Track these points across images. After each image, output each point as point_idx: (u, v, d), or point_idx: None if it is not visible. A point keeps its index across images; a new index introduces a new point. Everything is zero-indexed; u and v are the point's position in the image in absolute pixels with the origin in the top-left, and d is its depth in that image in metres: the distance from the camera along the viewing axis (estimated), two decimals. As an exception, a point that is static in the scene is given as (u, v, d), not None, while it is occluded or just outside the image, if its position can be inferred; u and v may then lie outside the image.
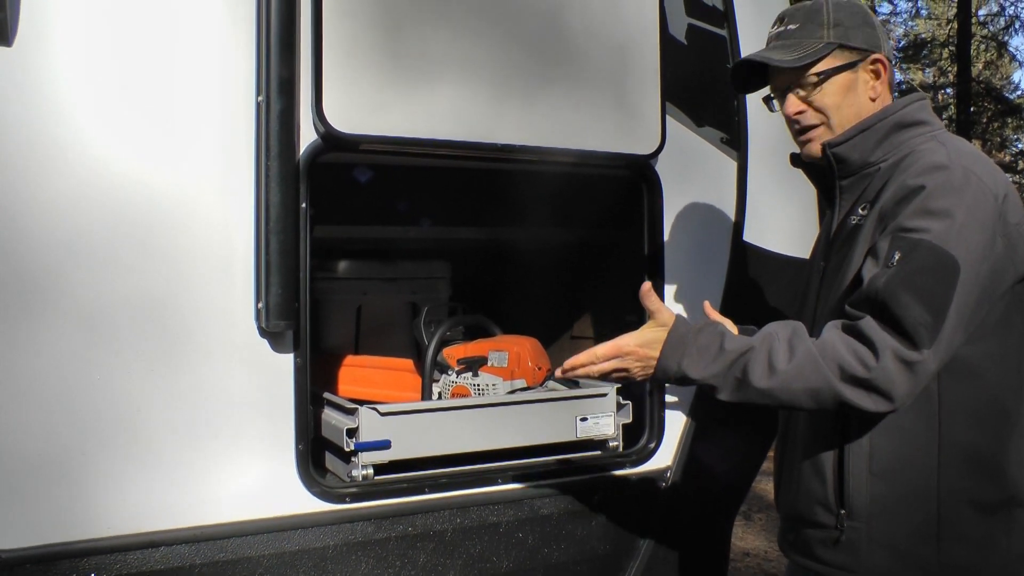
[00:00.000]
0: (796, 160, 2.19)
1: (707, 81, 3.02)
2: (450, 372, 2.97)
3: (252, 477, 2.25)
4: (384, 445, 2.47)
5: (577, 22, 2.63)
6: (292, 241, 2.24)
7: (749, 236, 3.05)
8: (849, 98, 2.02)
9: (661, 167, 2.84)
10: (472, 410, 2.66)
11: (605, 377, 1.98)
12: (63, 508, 2.05)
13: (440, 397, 2.97)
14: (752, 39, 3.06)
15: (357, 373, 3.19)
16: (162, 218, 2.16)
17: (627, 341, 1.95)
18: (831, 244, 2.07)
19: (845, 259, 1.97)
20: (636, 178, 2.86)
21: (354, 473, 2.45)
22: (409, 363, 3.13)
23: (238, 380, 2.24)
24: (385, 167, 3.07)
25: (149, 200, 2.15)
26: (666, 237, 2.88)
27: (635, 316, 2.92)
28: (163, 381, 2.15)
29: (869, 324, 1.76)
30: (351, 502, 2.37)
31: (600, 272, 3.32)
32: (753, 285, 3.06)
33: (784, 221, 3.14)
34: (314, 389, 2.45)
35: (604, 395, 2.80)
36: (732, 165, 3.03)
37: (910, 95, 2.05)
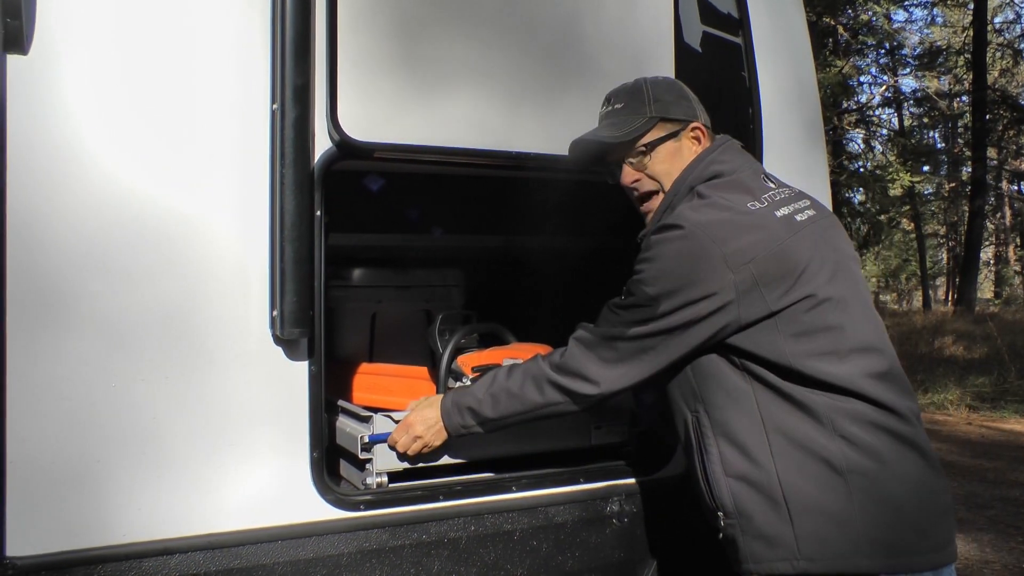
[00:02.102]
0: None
1: (722, 89, 3.01)
2: (464, 380, 2.92)
3: (266, 484, 2.25)
4: (383, 438, 2.49)
5: (592, 30, 2.63)
6: (307, 249, 2.25)
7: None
8: (676, 163, 2.32)
9: (675, 175, 2.83)
10: None
11: (409, 452, 2.44)
12: (78, 515, 2.06)
13: None
14: (767, 47, 3.05)
15: (371, 381, 3.18)
16: (177, 226, 2.17)
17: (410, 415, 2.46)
18: None
19: None
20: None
21: (368, 481, 2.45)
22: (423, 371, 3.11)
23: (253, 388, 2.24)
24: (398, 175, 3.07)
25: (163, 208, 2.15)
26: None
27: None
28: (178, 389, 2.15)
29: (578, 325, 2.33)
30: (365, 509, 2.36)
31: (612, 280, 3.31)
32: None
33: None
34: (328, 397, 2.45)
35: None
36: (747, 173, 3.02)
37: (709, 147, 2.33)
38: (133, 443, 2.10)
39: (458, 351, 2.97)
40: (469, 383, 2.79)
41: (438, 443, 2.42)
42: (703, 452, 2.20)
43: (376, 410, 2.63)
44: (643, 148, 2.33)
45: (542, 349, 2.86)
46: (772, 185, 2.28)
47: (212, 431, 2.19)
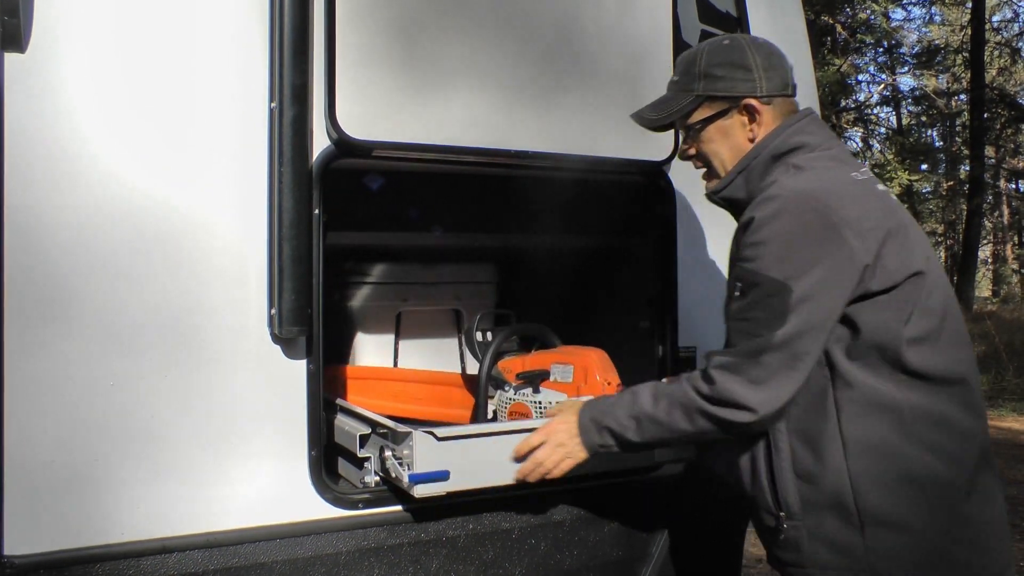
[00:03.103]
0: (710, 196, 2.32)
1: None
2: (507, 388, 2.67)
3: (265, 483, 2.25)
4: (442, 476, 2.22)
5: (591, 28, 2.63)
6: (305, 247, 2.25)
7: (762, 242, 3.03)
8: (726, 144, 2.18)
9: (674, 173, 2.83)
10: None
11: (550, 461, 2.22)
12: (77, 514, 2.06)
13: (495, 416, 2.70)
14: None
15: (397, 387, 2.96)
16: (175, 224, 2.17)
17: (550, 423, 2.26)
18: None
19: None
20: (649, 184, 2.86)
21: (366, 479, 2.44)
22: (455, 376, 2.93)
23: (251, 386, 2.24)
24: (394, 173, 3.07)
25: (162, 206, 2.15)
26: (679, 243, 2.88)
27: (648, 322, 2.93)
28: (176, 386, 2.15)
29: (712, 352, 2.06)
30: (364, 508, 2.36)
31: (613, 279, 3.31)
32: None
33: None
34: (326, 396, 2.45)
35: None
36: (745, 171, 3.02)
37: (792, 117, 2.15)
38: (131, 442, 2.10)
39: (498, 355, 2.73)
40: (512, 391, 2.65)
41: (581, 456, 2.20)
42: (772, 448, 2.06)
43: (401, 420, 2.47)
44: (690, 127, 2.22)
45: (594, 353, 2.68)
46: (859, 161, 2.18)
47: (210, 429, 2.19)
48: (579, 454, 2.19)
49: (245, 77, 2.25)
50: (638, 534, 2.78)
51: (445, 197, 3.23)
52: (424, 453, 2.20)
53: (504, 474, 2.27)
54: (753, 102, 2.14)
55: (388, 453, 2.29)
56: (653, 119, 2.26)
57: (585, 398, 2.34)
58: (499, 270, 3.57)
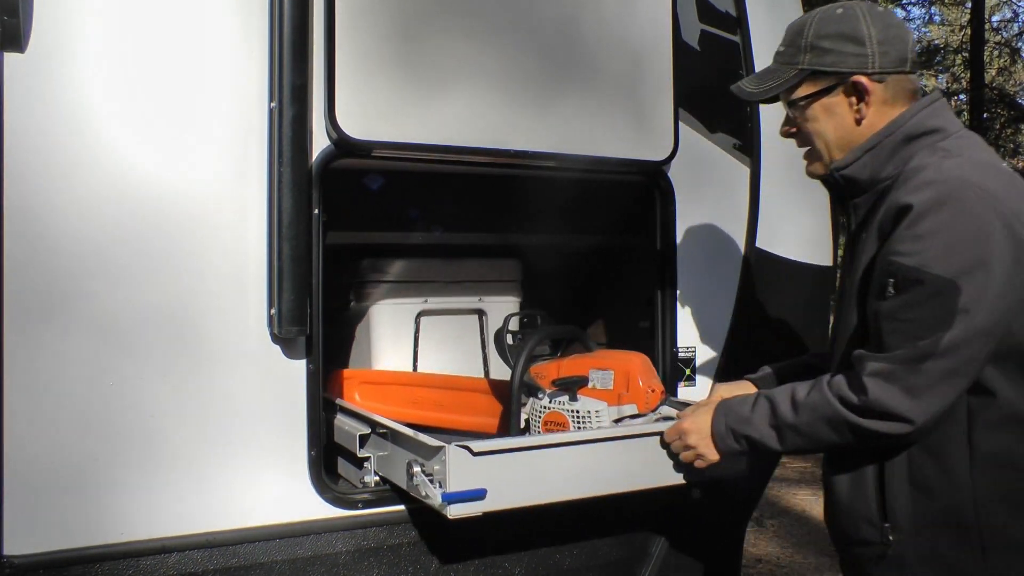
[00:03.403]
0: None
1: (720, 87, 3.00)
2: (541, 395, 2.46)
3: (265, 483, 2.25)
4: (478, 495, 2.03)
5: (591, 29, 2.63)
6: (304, 247, 2.25)
7: (761, 242, 3.04)
8: (830, 123, 2.00)
9: (674, 173, 2.83)
10: (590, 446, 2.22)
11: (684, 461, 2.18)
12: (76, 514, 2.06)
13: (527, 426, 2.51)
14: (765, 45, 3.05)
15: (418, 394, 2.79)
16: (175, 224, 2.16)
17: (684, 422, 2.17)
18: (846, 259, 2.07)
19: (853, 278, 1.96)
20: (649, 184, 2.86)
21: (366, 479, 2.44)
22: (480, 381, 2.79)
23: (251, 386, 2.24)
24: (393, 172, 3.06)
25: (162, 207, 2.15)
26: (678, 242, 2.88)
27: (648, 322, 2.93)
28: (176, 387, 2.15)
29: (862, 356, 1.83)
30: (363, 508, 2.36)
31: (613, 278, 3.31)
32: (765, 291, 3.05)
33: (796, 227, 3.13)
34: (326, 395, 2.44)
35: None
36: (745, 171, 3.03)
37: (923, 99, 1.97)
38: (131, 442, 2.10)
39: (530, 360, 2.53)
40: (547, 399, 2.45)
41: (712, 459, 2.12)
42: (883, 455, 1.87)
43: (423, 428, 2.36)
44: (792, 103, 2.03)
45: (636, 357, 2.48)
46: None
47: (210, 429, 2.18)
48: (711, 457, 2.12)
49: (245, 77, 2.25)
50: (638, 534, 2.78)
51: (443, 196, 3.22)
52: (459, 469, 2.02)
53: (545, 491, 2.14)
54: (863, 80, 1.93)
55: (417, 469, 2.11)
56: (753, 92, 2.08)
57: (708, 401, 2.20)
58: (525, 267, 3.41)
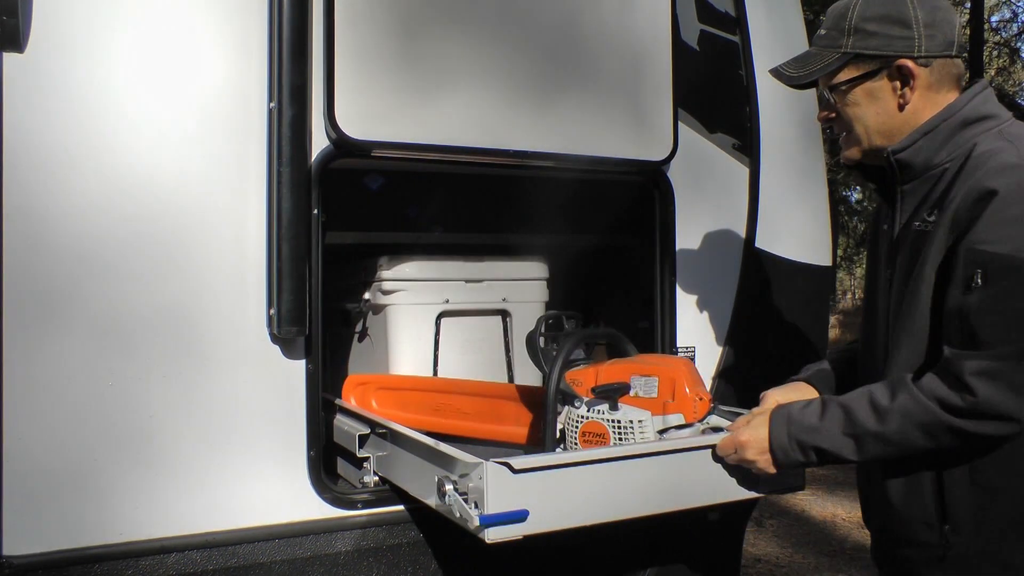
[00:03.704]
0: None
1: (719, 87, 3.01)
2: (577, 403, 2.26)
3: (264, 483, 2.25)
4: (519, 517, 1.85)
5: (590, 29, 2.63)
6: (304, 247, 2.25)
7: (760, 242, 3.04)
8: (872, 108, 1.92)
9: (673, 173, 2.83)
10: (638, 461, 2.02)
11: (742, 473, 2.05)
12: (75, 514, 2.06)
13: (563, 437, 2.29)
14: (764, 44, 3.05)
15: (440, 401, 2.62)
16: (174, 225, 2.16)
17: (740, 434, 2.00)
18: (894, 250, 1.97)
19: (914, 269, 1.86)
20: (648, 184, 2.86)
21: (365, 479, 2.44)
22: (508, 387, 2.65)
23: (250, 386, 2.24)
24: (393, 172, 3.06)
25: (161, 208, 2.15)
26: (678, 243, 2.88)
27: (647, 322, 2.92)
28: (176, 387, 2.15)
29: (959, 355, 1.72)
30: (363, 508, 2.36)
31: (612, 278, 3.31)
32: (765, 291, 3.05)
33: (795, 227, 3.13)
34: (326, 396, 2.44)
35: None
36: (744, 171, 3.03)
37: (973, 86, 1.92)
38: (130, 442, 2.10)
39: (566, 365, 2.34)
40: (584, 407, 2.24)
41: (770, 473, 1.98)
42: (945, 455, 1.80)
43: (449, 438, 2.25)
44: (833, 87, 1.95)
45: (682, 363, 2.30)
46: None
47: (209, 430, 2.18)
48: (769, 471, 1.97)
49: (244, 77, 2.25)
50: (639, 533, 2.78)
51: (452, 195, 3.21)
52: (498, 488, 1.83)
53: (590, 511, 1.96)
54: (908, 64, 1.86)
55: (449, 487, 1.93)
56: (793, 76, 2.00)
57: (763, 410, 2.04)
58: (552, 266, 3.27)
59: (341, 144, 2.31)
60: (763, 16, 3.10)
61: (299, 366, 2.29)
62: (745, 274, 3.01)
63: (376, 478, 2.42)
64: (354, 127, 2.29)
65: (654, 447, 2.06)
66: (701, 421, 2.22)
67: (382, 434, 2.41)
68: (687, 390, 2.19)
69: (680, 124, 2.81)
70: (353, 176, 2.97)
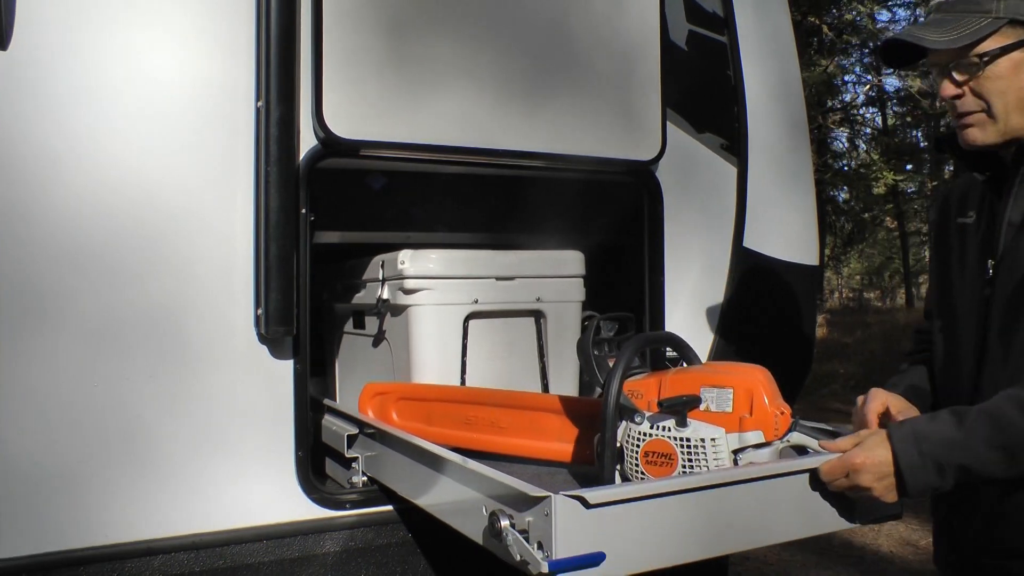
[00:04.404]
0: (943, 144, 1.94)
1: (708, 88, 3.01)
2: (638, 419, 1.94)
3: (251, 484, 2.24)
4: (594, 560, 1.54)
5: (579, 29, 2.63)
6: (291, 247, 2.24)
7: (748, 241, 3.04)
8: (1016, 82, 1.72)
9: (662, 173, 2.84)
10: (736, 488, 1.71)
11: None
12: (61, 516, 2.04)
13: (621, 456, 1.96)
14: (752, 45, 3.06)
15: (471, 413, 2.35)
16: (161, 224, 2.15)
17: (853, 456, 1.70)
18: (992, 245, 1.82)
19: None
20: (637, 184, 2.86)
21: (354, 479, 2.43)
22: (548, 398, 2.40)
23: (238, 387, 2.23)
24: (385, 173, 3.05)
25: (148, 207, 2.14)
26: (666, 242, 2.88)
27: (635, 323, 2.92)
28: (163, 388, 2.14)
29: None
30: (351, 508, 2.35)
31: (600, 277, 3.31)
32: (752, 290, 3.05)
33: (783, 226, 3.14)
34: (314, 395, 2.43)
35: None
36: (732, 171, 3.03)
37: None
38: (116, 443, 2.09)
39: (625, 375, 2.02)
40: (646, 423, 1.93)
41: (889, 500, 1.70)
42: None
43: (479, 455, 2.07)
44: (977, 59, 1.73)
45: (759, 372, 1.97)
46: None
47: (196, 430, 2.17)
48: (888, 498, 1.69)
49: (231, 76, 2.24)
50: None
51: (426, 198, 3.21)
52: (570, 527, 1.52)
53: (675, 551, 1.64)
54: None
55: (505, 523, 1.60)
56: (939, 41, 1.74)
57: (874, 430, 1.76)
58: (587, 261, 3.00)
59: (329, 143, 2.30)
60: (751, 17, 3.11)
61: (287, 366, 2.28)
62: (734, 273, 3.02)
63: (364, 478, 2.41)
64: (342, 126, 2.29)
65: (754, 472, 1.75)
66: (782, 439, 1.92)
67: (370, 434, 2.39)
68: (767, 403, 1.89)
69: (668, 124, 2.81)
70: (344, 175, 2.96)
